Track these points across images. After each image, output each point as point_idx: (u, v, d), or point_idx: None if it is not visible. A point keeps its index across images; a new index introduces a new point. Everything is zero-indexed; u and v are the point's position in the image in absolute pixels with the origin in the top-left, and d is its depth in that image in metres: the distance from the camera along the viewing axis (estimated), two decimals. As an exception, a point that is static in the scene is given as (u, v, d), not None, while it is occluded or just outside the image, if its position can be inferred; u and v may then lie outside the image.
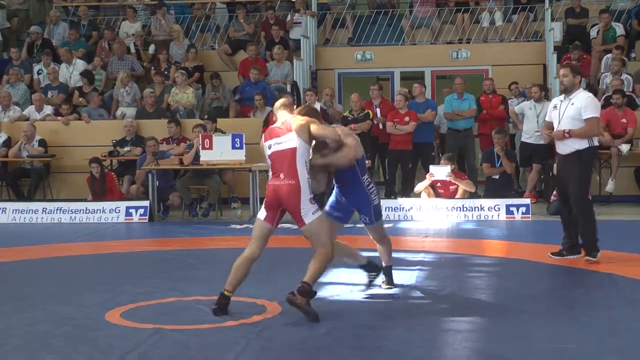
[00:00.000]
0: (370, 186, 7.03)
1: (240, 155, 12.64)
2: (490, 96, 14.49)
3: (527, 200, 12.49)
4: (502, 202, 12.31)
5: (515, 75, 15.36)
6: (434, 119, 14.21)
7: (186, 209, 12.87)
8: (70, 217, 12.75)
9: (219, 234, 11.13)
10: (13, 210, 12.93)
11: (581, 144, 8.50)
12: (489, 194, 12.95)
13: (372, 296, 7.30)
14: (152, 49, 16.83)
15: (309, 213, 6.48)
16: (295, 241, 10.60)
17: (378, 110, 14.17)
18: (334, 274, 8.31)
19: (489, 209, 12.27)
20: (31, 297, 7.46)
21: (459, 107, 14.29)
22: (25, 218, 12.83)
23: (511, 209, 12.24)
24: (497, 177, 13.17)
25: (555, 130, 8.62)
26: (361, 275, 7.53)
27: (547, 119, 9.07)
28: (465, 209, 12.30)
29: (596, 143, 8.69)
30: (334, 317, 6.55)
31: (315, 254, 6.53)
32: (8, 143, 14.22)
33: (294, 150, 6.49)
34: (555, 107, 8.73)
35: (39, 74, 16.21)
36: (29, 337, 6.13)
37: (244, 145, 12.81)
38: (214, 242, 10.56)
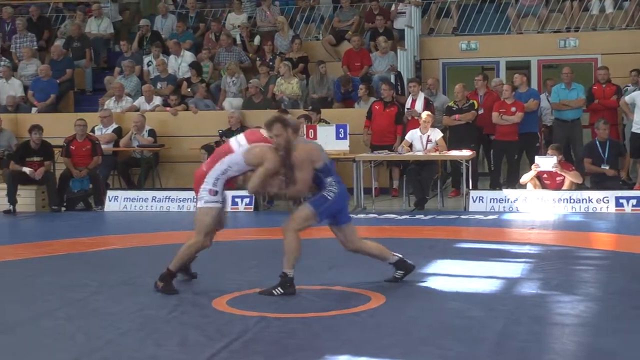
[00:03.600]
0: (332, 185, 7.07)
1: (344, 146, 12.70)
2: (604, 86, 14.14)
3: (638, 193, 12.16)
4: (612, 194, 12.02)
5: (625, 64, 14.96)
6: (537, 108, 13.99)
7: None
8: (178, 205, 13.06)
9: (323, 224, 11.19)
10: (124, 198, 13.31)
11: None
12: (595, 186, 12.65)
13: (475, 287, 7.25)
14: (257, 40, 17.05)
15: (202, 200, 7.14)
16: (397, 231, 10.62)
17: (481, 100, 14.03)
18: (436, 265, 8.31)
19: (597, 200, 12.01)
20: (141, 283, 7.67)
21: (567, 97, 14.02)
22: (135, 206, 13.19)
23: (621, 201, 11.94)
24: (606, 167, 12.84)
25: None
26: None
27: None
28: (572, 200, 12.07)
29: None
30: (437, 308, 6.55)
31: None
32: (119, 133, 14.63)
33: (230, 151, 7.12)
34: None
35: (148, 65, 16.61)
36: (140, 322, 6.31)
37: (348, 136, 12.88)
38: (318, 232, 10.60)
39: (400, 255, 7.40)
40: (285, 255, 6.98)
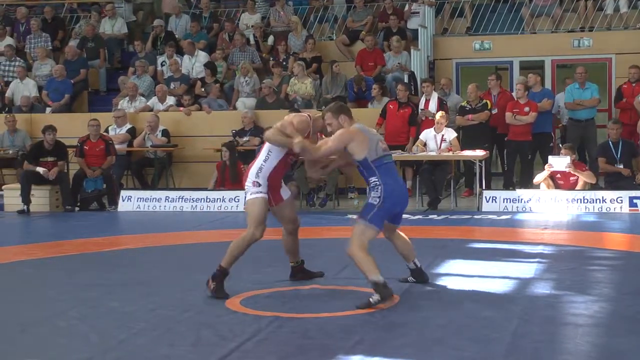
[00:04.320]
0: (375, 187, 6.81)
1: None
2: (634, 84, 14.06)
3: (653, 193, 12.11)
4: (625, 194, 11.97)
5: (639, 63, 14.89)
6: (551, 108, 13.95)
7: (303, 198, 13.02)
8: (192, 205, 13.07)
9: (335, 224, 11.23)
10: (138, 198, 13.34)
11: None
12: (608, 186, 12.60)
13: (489, 287, 7.24)
14: (271, 40, 17.06)
15: (248, 193, 7.12)
16: (410, 231, 10.61)
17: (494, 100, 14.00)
18: (449, 265, 8.29)
19: (611, 201, 11.97)
20: (155, 283, 7.70)
21: (581, 96, 13.98)
22: (149, 206, 13.22)
23: (635, 201, 11.89)
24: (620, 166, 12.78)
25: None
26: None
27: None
28: (586, 200, 12.03)
29: None
30: (450, 308, 6.54)
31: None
32: (133, 133, 14.67)
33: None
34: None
35: (162, 65, 16.64)
36: (154, 322, 6.33)
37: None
38: (331, 232, 10.64)
39: (419, 265, 7.33)
40: (363, 272, 6.64)
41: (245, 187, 7.16)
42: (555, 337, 5.78)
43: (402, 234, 7.23)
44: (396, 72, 15.38)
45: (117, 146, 13.93)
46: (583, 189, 12.23)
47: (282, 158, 7.11)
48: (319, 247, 9.42)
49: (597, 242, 9.74)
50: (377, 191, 6.76)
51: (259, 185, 7.08)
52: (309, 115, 7.29)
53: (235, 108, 15.33)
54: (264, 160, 7.13)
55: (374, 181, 6.79)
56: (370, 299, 6.46)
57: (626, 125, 13.56)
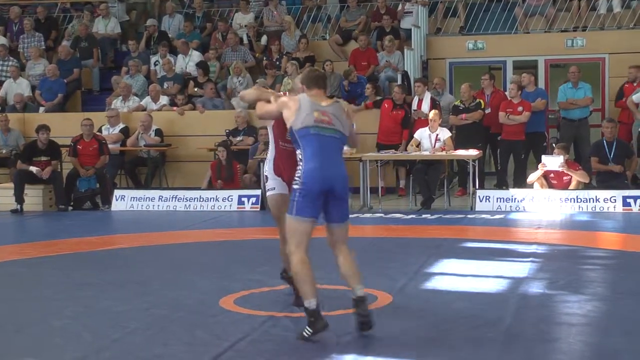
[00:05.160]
0: (298, 163, 5.89)
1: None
2: (635, 84, 14.09)
3: (646, 192, 12.14)
4: (619, 194, 12.00)
5: (632, 63, 14.90)
6: (544, 108, 13.98)
7: None
8: (185, 205, 13.06)
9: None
10: (131, 197, 13.32)
11: None
12: (600, 185, 12.62)
13: (482, 287, 7.25)
14: (264, 39, 17.05)
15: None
16: (404, 231, 10.62)
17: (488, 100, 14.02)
18: (442, 265, 8.30)
19: (604, 200, 11.99)
20: (148, 282, 7.69)
21: (574, 96, 14.02)
22: (142, 205, 13.20)
23: (628, 200, 11.92)
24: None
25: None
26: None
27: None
28: (579, 200, 12.05)
29: None
30: (444, 308, 6.54)
31: None
32: (126, 132, 14.65)
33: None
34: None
35: (155, 65, 16.63)
36: (147, 321, 6.33)
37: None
38: (324, 232, 10.62)
39: (363, 295, 5.87)
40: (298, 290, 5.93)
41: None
42: (549, 337, 5.79)
43: (345, 249, 5.98)
44: (389, 72, 15.38)
45: (110, 146, 13.92)
46: (576, 189, 12.25)
47: (275, 145, 6.58)
48: (313, 244, 9.42)
49: (590, 242, 9.76)
50: (299, 170, 5.83)
51: (267, 179, 6.71)
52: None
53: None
54: (268, 151, 6.77)
55: (298, 156, 5.89)
56: (304, 332, 5.65)
57: (626, 124, 13.60)
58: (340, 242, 5.94)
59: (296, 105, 5.88)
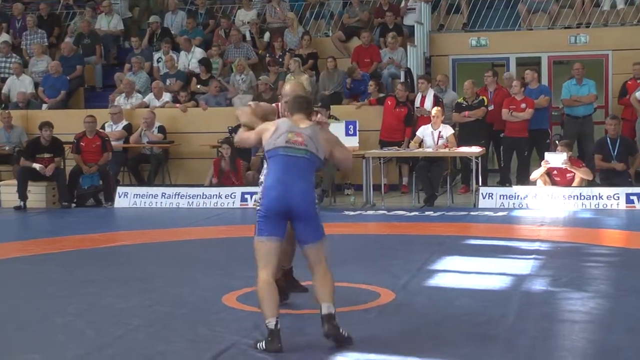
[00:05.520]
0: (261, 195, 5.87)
1: (354, 142, 12.68)
2: (638, 81, 14.05)
3: (649, 189, 12.11)
4: (622, 191, 11.98)
5: (636, 60, 14.88)
6: (547, 105, 13.96)
7: None
8: (188, 202, 13.06)
9: (332, 221, 11.19)
10: (134, 194, 13.32)
11: None
12: (603, 182, 12.60)
13: (485, 284, 7.24)
14: (267, 36, 17.05)
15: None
16: (407, 228, 10.62)
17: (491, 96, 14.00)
18: (445, 262, 8.29)
19: (607, 197, 11.96)
20: (151, 279, 7.70)
21: (578, 92, 13.99)
22: (145, 202, 13.20)
23: (632, 197, 11.89)
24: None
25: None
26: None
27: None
28: (582, 197, 12.03)
29: None
30: (446, 305, 6.54)
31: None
32: (129, 129, 14.65)
33: None
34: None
35: (158, 62, 16.62)
36: (150, 318, 6.33)
37: (358, 132, 12.87)
38: (327, 229, 10.58)
39: (331, 313, 5.56)
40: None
41: None
42: (552, 334, 5.78)
43: (322, 269, 5.68)
44: (392, 69, 15.37)
45: (113, 142, 13.92)
46: (580, 186, 12.23)
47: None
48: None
49: (593, 239, 9.75)
50: (261, 199, 5.79)
51: (261, 184, 6.50)
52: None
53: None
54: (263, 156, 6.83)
55: (261, 181, 5.88)
56: (258, 344, 5.50)
57: (629, 121, 13.58)
58: (315, 264, 5.68)
59: (274, 129, 5.83)
